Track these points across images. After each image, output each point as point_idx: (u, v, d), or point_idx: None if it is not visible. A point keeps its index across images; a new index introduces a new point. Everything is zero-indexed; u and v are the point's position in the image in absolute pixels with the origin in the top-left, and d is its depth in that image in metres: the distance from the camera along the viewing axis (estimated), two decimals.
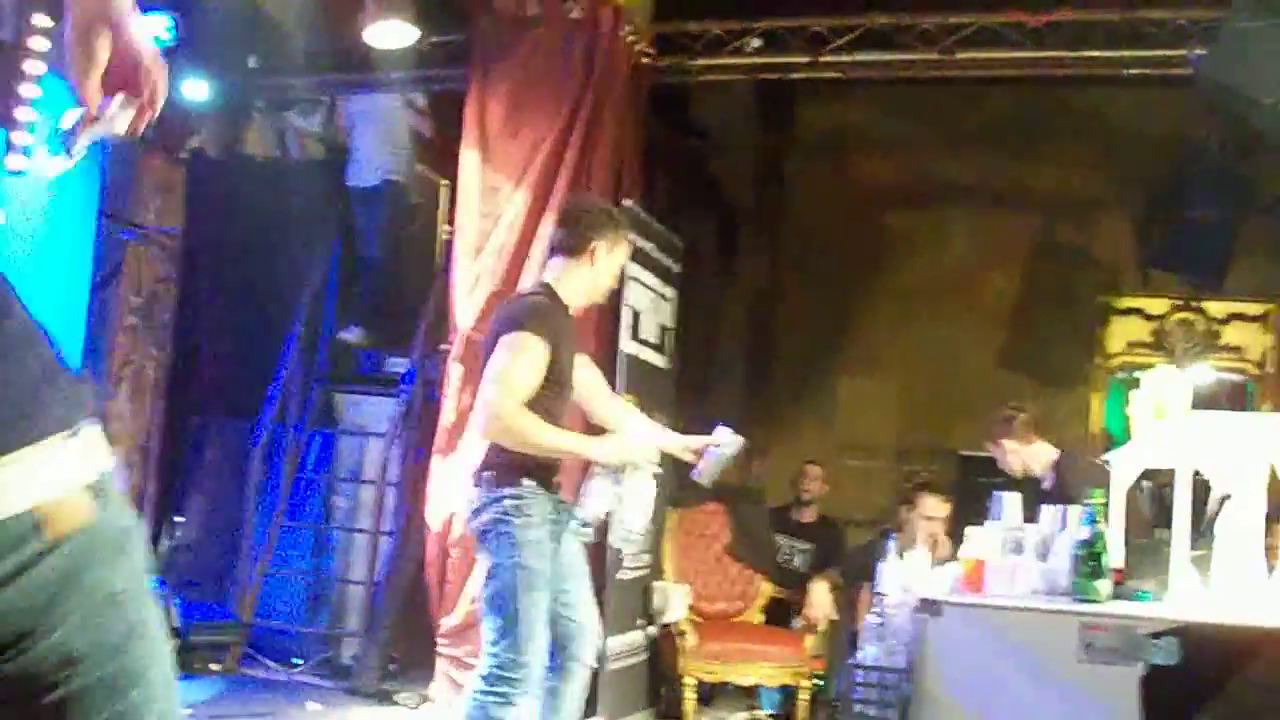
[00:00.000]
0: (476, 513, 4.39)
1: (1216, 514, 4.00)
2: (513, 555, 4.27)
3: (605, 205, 4.90)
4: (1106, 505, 3.84)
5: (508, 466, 4.34)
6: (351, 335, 8.69)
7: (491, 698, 4.22)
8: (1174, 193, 9.22)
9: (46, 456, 1.23)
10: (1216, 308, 10.00)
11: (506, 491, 4.32)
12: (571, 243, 4.58)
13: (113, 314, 8.29)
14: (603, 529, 4.85)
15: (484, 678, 4.26)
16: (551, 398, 4.37)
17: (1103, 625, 3.65)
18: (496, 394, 4.27)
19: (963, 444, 10.20)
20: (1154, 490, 4.27)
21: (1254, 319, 9.97)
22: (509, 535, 4.28)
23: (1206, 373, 9.81)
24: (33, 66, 5.64)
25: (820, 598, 7.29)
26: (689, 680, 7.16)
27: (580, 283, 4.56)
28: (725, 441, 4.50)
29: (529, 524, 4.30)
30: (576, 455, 4.53)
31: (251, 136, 9.36)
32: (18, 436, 1.21)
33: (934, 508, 7.15)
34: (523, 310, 4.50)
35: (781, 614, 7.96)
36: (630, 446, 4.43)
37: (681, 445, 4.66)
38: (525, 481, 4.32)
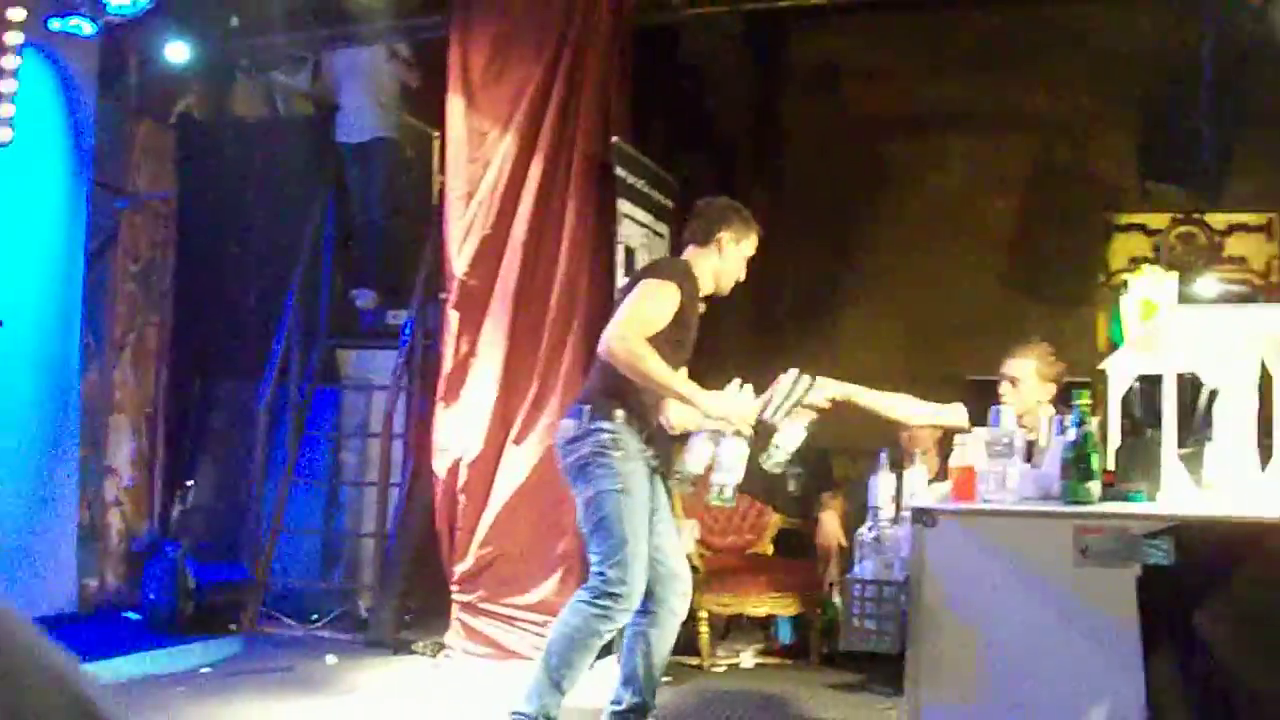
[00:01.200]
0: (572, 443, 4.64)
1: (1207, 410, 3.98)
2: (616, 483, 4.53)
3: (733, 203, 5.09)
4: (1094, 405, 3.81)
5: (607, 401, 4.61)
6: (363, 299, 8.70)
7: (596, 609, 4.48)
8: (1169, 106, 9.15)
9: None
10: (1218, 220, 9.92)
11: (604, 425, 4.58)
12: (700, 234, 4.95)
13: (111, 282, 8.31)
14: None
15: (590, 590, 4.53)
16: (669, 352, 4.61)
17: (1097, 527, 3.63)
18: (624, 319, 4.57)
19: (970, 368, 10.16)
20: (1142, 390, 4.24)
21: (1256, 229, 9.90)
22: (609, 465, 4.54)
23: (1212, 285, 9.75)
24: (12, 37, 5.63)
25: (831, 526, 7.30)
26: (703, 614, 7.18)
27: (708, 268, 4.91)
28: (791, 381, 4.84)
29: (627, 456, 4.57)
30: (684, 398, 4.62)
31: (239, 97, 9.34)
32: None
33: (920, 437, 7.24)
34: (668, 265, 5.02)
35: (792, 543, 7.97)
36: (734, 406, 4.64)
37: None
38: (620, 413, 4.59)
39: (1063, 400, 5.47)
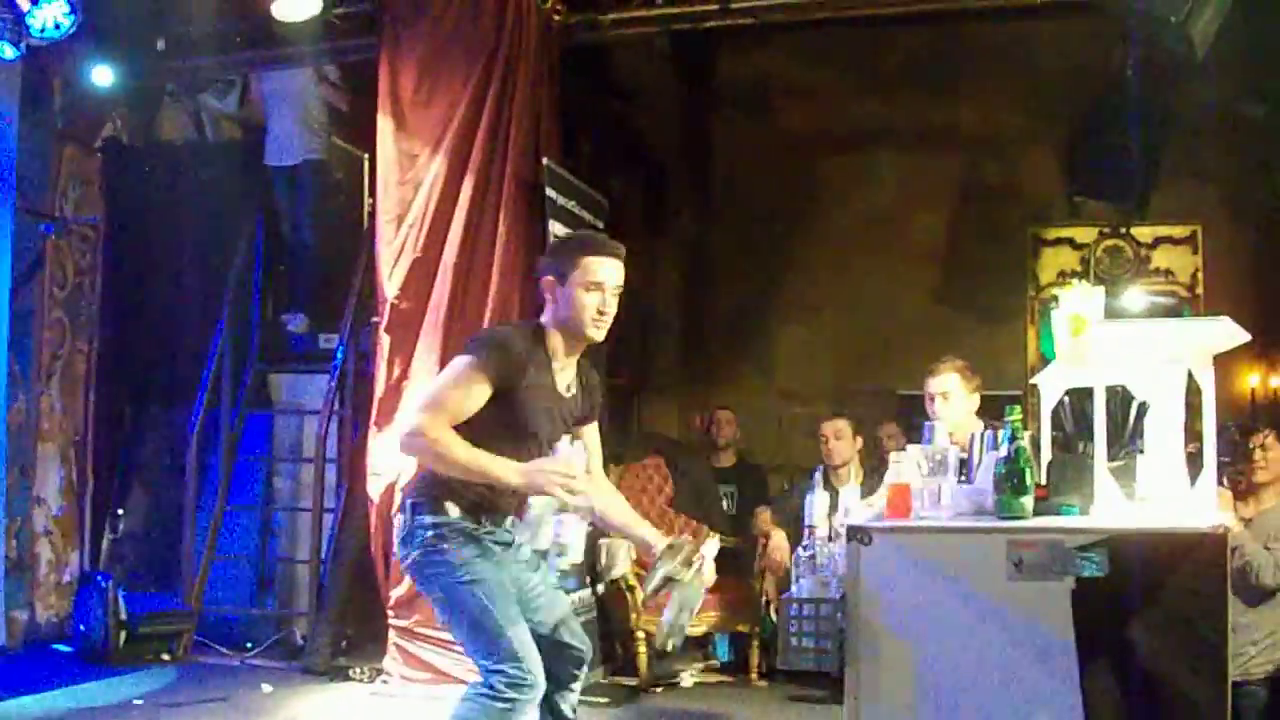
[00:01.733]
0: (404, 544, 4.05)
1: (1137, 422, 4.02)
2: (459, 574, 3.94)
3: (571, 234, 4.56)
4: (1024, 420, 3.84)
5: (430, 494, 4.01)
6: (295, 323, 8.65)
7: (502, 703, 3.83)
8: (1095, 122, 9.27)
9: None
10: (1144, 233, 10.07)
11: (425, 520, 3.99)
12: (540, 291, 4.17)
13: (37, 309, 8.23)
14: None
15: (489, 687, 3.86)
16: (505, 447, 3.93)
17: (1030, 541, 3.66)
18: (419, 408, 3.95)
19: (903, 384, 10.24)
20: (1072, 404, 4.28)
21: (1181, 241, 10.06)
22: (444, 561, 3.96)
23: (1139, 298, 9.88)
24: None
25: (780, 542, 7.28)
26: (640, 635, 7.18)
27: (558, 321, 4.09)
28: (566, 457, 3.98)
29: (461, 543, 3.97)
30: (493, 478, 3.88)
31: (165, 121, 9.29)
32: None
33: (834, 429, 7.46)
34: (479, 338, 4.15)
35: (729, 562, 7.97)
36: (552, 475, 3.85)
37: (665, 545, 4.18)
38: (449, 506, 3.99)
39: (988, 415, 5.55)
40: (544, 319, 4.12)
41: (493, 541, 4.05)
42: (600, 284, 4.03)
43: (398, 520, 4.15)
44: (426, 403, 3.93)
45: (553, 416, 4.08)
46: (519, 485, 3.86)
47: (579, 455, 4.03)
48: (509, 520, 4.15)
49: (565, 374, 4.15)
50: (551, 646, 4.10)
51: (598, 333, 4.08)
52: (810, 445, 9.31)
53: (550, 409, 4.07)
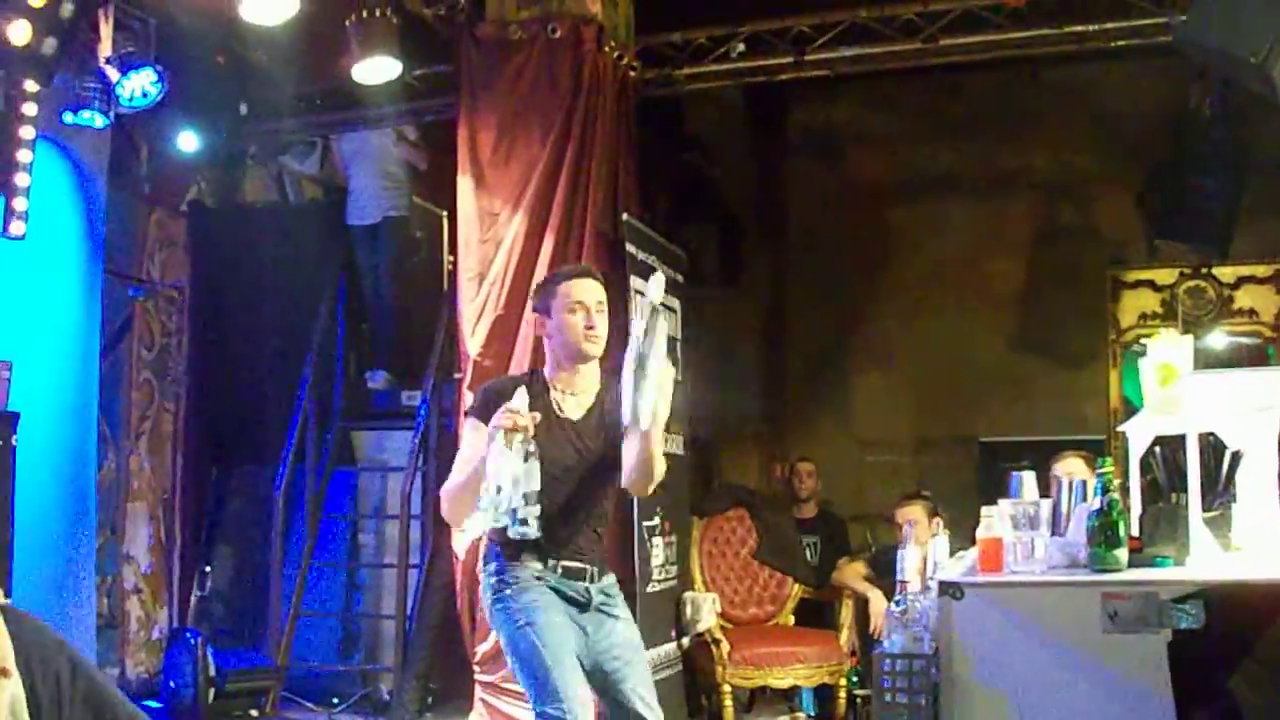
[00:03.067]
0: (482, 592, 4.27)
1: (1230, 472, 3.99)
2: (518, 619, 4.06)
3: (540, 281, 4.62)
4: (1118, 472, 3.83)
5: (499, 540, 4.15)
6: (377, 381, 8.74)
7: None
8: (1173, 162, 9.19)
9: None
10: (1226, 272, 9.96)
11: (489, 568, 4.20)
12: (539, 337, 4.46)
13: (126, 370, 8.36)
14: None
15: None
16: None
17: (1124, 594, 3.63)
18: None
19: (982, 431, 10.22)
20: (1164, 453, 4.25)
21: (1264, 280, 9.93)
22: (506, 605, 4.10)
23: (1222, 339, 9.78)
24: (26, 132, 5.68)
25: (881, 605, 7.18)
26: (726, 688, 7.16)
27: (555, 351, 4.29)
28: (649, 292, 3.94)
29: (521, 589, 4.09)
30: (468, 471, 4.02)
31: (248, 184, 9.44)
32: None
33: (908, 513, 7.21)
34: (478, 392, 4.37)
35: (813, 614, 7.96)
36: (501, 413, 3.89)
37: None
38: (504, 552, 4.14)
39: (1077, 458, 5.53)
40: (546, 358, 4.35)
41: (563, 594, 4.13)
42: (582, 303, 4.22)
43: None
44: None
45: (558, 438, 4.15)
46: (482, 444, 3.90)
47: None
48: (589, 574, 4.20)
49: (572, 399, 4.26)
50: (619, 711, 4.16)
51: (593, 347, 4.23)
52: (886, 492, 9.30)
53: (553, 430, 4.13)
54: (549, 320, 4.27)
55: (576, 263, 4.77)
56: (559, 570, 4.15)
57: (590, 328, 4.21)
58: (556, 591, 4.13)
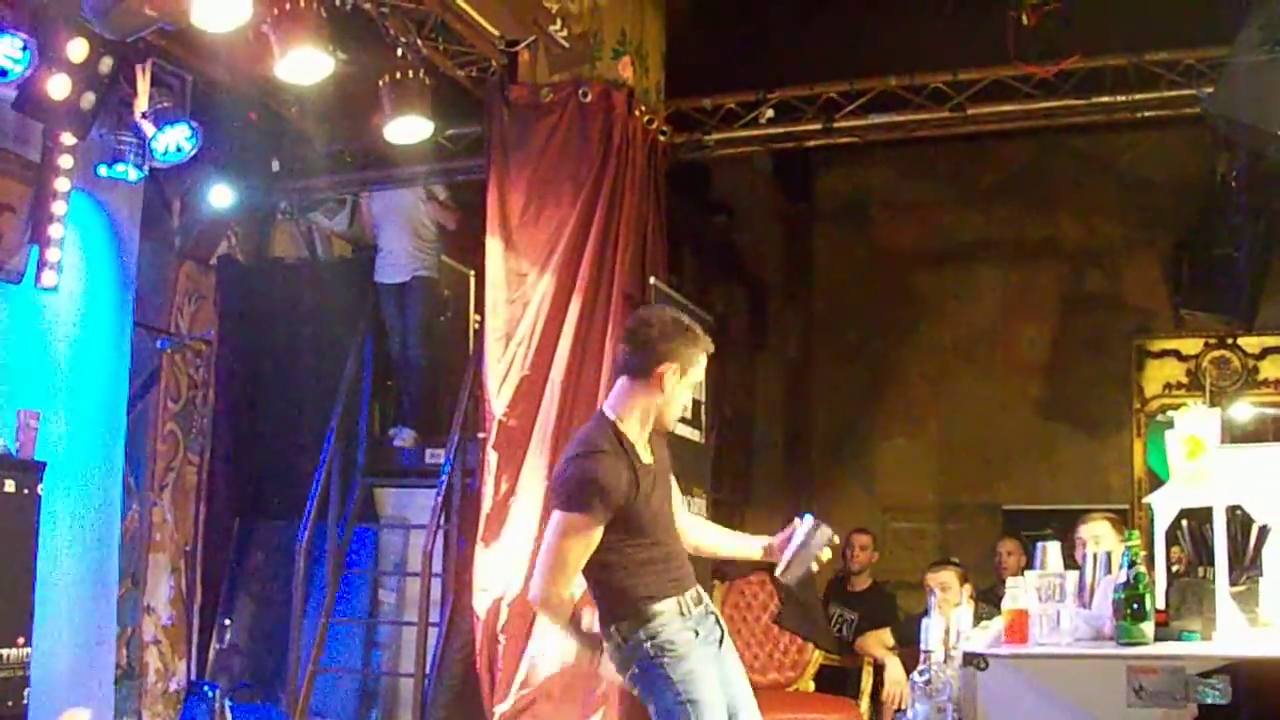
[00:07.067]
0: (622, 664, 4.15)
1: (1258, 546, 3.97)
2: (676, 691, 4.03)
3: (677, 316, 4.24)
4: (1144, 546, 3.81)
5: (624, 606, 4.11)
6: (402, 438, 8.73)
7: None
8: (1199, 232, 9.22)
9: None
10: (1251, 343, 9.97)
11: (642, 634, 4.07)
12: (637, 367, 4.13)
13: (152, 421, 8.38)
14: None
15: None
16: (639, 549, 4.10)
17: (1151, 668, 3.61)
18: (546, 573, 4.07)
19: (1007, 499, 10.19)
20: (1191, 527, 4.23)
21: None
22: (662, 676, 4.05)
23: (1247, 410, 9.73)
24: (61, 184, 5.79)
25: (898, 674, 7.16)
26: None
27: (648, 409, 4.14)
28: (806, 531, 4.19)
29: (679, 654, 4.06)
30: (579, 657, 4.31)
31: (278, 239, 9.49)
32: None
33: (939, 582, 7.16)
34: (572, 485, 4.05)
35: (834, 681, 7.91)
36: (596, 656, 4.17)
37: (764, 546, 4.40)
38: (652, 609, 4.09)
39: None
40: (615, 408, 4.18)
41: (701, 637, 4.15)
42: (700, 384, 4.34)
43: (606, 646, 4.21)
44: (551, 565, 4.07)
45: (650, 494, 4.13)
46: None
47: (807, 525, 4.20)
48: (697, 593, 4.25)
49: (642, 445, 4.19)
50: None
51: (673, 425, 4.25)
52: (910, 558, 9.29)
53: (647, 489, 4.11)
54: (672, 380, 4.09)
55: (629, 321, 4.43)
56: (689, 606, 4.17)
57: (682, 414, 4.23)
58: (696, 633, 4.15)
